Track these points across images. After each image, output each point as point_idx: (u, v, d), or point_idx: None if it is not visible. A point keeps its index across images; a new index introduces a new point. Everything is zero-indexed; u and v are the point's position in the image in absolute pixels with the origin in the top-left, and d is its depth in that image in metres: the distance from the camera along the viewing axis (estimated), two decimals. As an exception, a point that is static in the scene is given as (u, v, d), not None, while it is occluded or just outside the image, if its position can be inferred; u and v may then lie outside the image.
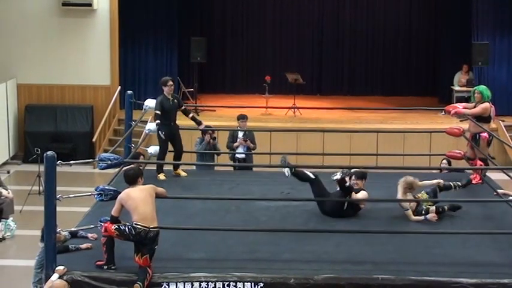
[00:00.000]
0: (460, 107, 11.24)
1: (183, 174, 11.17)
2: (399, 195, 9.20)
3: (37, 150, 14.38)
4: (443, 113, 11.75)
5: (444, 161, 11.87)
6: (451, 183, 9.78)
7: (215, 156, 13.11)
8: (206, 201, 9.66)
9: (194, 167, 12.49)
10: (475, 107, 10.90)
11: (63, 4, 18.09)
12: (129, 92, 11.89)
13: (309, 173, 9.38)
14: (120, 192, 7.87)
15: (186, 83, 19.95)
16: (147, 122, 12.82)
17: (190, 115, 11.35)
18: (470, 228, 8.90)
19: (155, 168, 11.07)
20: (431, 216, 9.05)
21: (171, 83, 11.15)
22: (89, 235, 8.35)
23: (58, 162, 7.74)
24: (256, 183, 10.95)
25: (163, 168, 11.12)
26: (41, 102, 18.40)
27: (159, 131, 10.97)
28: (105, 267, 7.66)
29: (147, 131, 11.57)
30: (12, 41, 18.23)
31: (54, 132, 18.02)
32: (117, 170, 9.83)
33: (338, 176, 9.07)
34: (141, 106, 11.45)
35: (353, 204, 9.30)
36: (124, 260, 7.71)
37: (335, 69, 22.51)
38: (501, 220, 9.21)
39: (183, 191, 10.23)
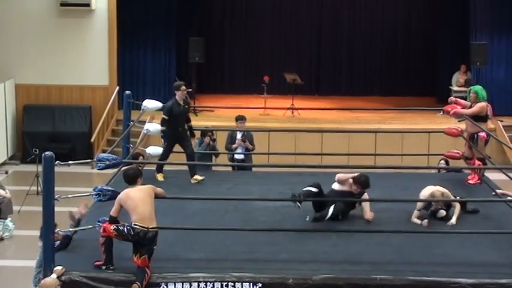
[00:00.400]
0: (458, 107, 11.24)
1: (200, 178, 10.87)
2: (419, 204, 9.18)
3: (35, 151, 14.38)
4: (441, 113, 11.76)
5: (442, 161, 11.88)
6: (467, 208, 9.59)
7: (213, 157, 13.09)
8: (205, 202, 9.65)
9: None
10: (471, 107, 10.94)
11: (62, 4, 18.09)
12: (128, 92, 11.87)
13: (311, 188, 9.13)
14: (119, 193, 7.86)
15: (185, 83, 19.88)
16: (145, 122, 12.81)
17: (189, 124, 11.27)
18: (469, 228, 8.89)
19: (154, 169, 11.04)
20: (425, 222, 9.03)
21: (184, 88, 11.04)
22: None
23: (56, 163, 7.73)
24: (255, 184, 10.95)
25: (163, 168, 11.08)
26: (39, 103, 18.39)
27: (162, 139, 10.89)
28: (104, 267, 7.65)
29: (145, 131, 11.56)
30: (10, 41, 18.22)
31: (52, 132, 18.01)
32: (115, 170, 9.81)
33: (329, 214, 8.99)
34: (140, 106, 11.43)
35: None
36: (122, 260, 7.70)
37: (333, 69, 22.52)
38: (500, 220, 9.20)
39: (182, 191, 10.22)
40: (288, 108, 18.56)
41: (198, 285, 7.53)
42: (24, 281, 9.70)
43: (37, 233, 8.28)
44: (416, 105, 18.65)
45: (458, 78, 19.77)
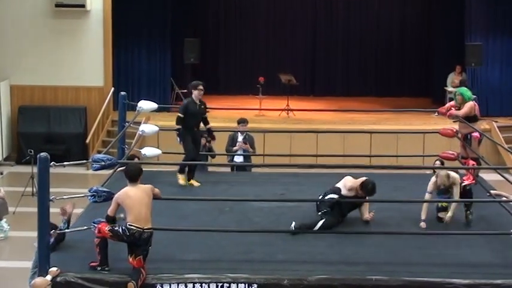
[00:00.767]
0: (453, 108, 11.28)
1: (196, 184, 10.82)
2: (430, 185, 9.21)
3: (30, 152, 14.34)
4: (436, 113, 11.80)
5: (437, 162, 11.90)
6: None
7: (209, 158, 13.09)
8: (200, 202, 9.66)
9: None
10: (459, 109, 11.03)
11: (56, 5, 18.06)
12: (123, 93, 11.87)
13: (332, 195, 9.04)
14: (114, 194, 7.86)
15: (180, 84, 19.94)
16: (140, 123, 12.80)
17: (208, 126, 11.17)
18: (464, 229, 8.91)
19: (150, 169, 10.98)
20: (423, 224, 9.05)
21: (201, 87, 10.86)
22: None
23: (51, 164, 7.73)
24: (250, 184, 10.96)
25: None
26: (34, 104, 18.37)
27: (178, 138, 10.77)
28: (99, 268, 7.65)
29: (140, 132, 11.55)
30: (5, 42, 18.20)
31: (47, 133, 17.98)
32: (110, 171, 9.81)
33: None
34: (135, 107, 11.42)
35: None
36: (118, 261, 7.70)
37: (328, 70, 22.55)
38: (494, 221, 9.22)
39: (177, 191, 10.22)
40: (283, 109, 18.58)
41: (194, 286, 7.54)
42: (19, 282, 9.69)
43: (32, 234, 8.26)
44: (411, 106, 18.69)
45: (453, 79, 19.79)
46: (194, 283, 7.54)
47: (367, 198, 9.09)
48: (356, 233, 8.74)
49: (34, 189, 13.97)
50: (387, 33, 22.38)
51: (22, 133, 17.96)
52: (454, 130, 11.32)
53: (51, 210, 7.73)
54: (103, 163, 8.61)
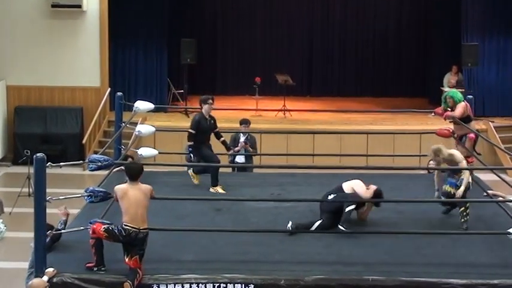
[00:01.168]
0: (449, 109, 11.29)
1: (222, 191, 10.58)
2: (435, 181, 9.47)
3: (27, 152, 14.32)
4: (433, 114, 11.81)
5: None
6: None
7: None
8: (196, 202, 9.65)
9: (185, 169, 12.44)
10: (452, 111, 11.06)
11: (53, 6, 18.03)
12: (119, 93, 11.86)
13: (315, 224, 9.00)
14: (110, 194, 7.86)
15: (176, 85, 19.94)
16: (137, 123, 12.79)
17: (222, 139, 11.11)
18: (461, 229, 8.91)
19: (149, 170, 10.92)
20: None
21: (211, 101, 10.75)
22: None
23: (48, 164, 7.72)
24: (247, 185, 10.95)
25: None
26: (31, 104, 18.34)
27: (191, 155, 10.68)
28: (95, 269, 7.64)
29: (137, 133, 11.54)
30: (1, 43, 18.17)
31: (43, 133, 17.96)
32: (107, 171, 9.80)
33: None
34: (131, 108, 11.40)
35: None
36: (114, 262, 7.69)
37: (325, 70, 22.55)
38: (491, 221, 9.23)
39: (173, 192, 10.21)
40: (280, 110, 18.58)
41: (190, 287, 7.53)
42: (16, 283, 9.68)
43: (29, 234, 8.25)
44: (408, 106, 18.68)
45: (449, 79, 19.80)
46: (191, 283, 7.54)
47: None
48: (353, 233, 8.73)
49: (30, 190, 13.95)
50: (384, 34, 22.38)
51: (18, 133, 17.93)
52: (451, 130, 11.34)
53: (48, 210, 7.71)
54: (99, 163, 8.59)
